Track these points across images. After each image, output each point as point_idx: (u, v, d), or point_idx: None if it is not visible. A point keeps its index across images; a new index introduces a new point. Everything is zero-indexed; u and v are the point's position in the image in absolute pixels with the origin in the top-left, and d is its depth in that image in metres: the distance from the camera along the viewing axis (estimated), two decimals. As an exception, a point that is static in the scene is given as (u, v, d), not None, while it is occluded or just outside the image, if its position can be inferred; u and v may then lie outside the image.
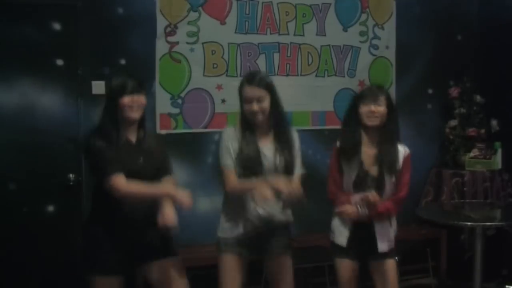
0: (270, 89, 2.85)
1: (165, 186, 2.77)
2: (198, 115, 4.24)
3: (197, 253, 3.97)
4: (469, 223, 3.77)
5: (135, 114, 2.73)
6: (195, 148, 4.23)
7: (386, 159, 2.95)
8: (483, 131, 4.82)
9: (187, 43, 4.16)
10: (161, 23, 4.09)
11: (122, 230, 2.72)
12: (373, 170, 2.96)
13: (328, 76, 4.59)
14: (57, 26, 3.87)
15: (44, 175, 3.85)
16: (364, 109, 2.95)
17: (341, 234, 3.00)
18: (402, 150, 3.03)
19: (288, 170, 2.84)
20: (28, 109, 3.82)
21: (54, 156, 3.87)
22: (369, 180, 2.95)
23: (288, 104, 4.37)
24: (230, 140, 2.85)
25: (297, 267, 3.52)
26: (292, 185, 2.72)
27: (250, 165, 2.79)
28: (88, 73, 3.91)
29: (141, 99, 2.74)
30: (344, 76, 4.64)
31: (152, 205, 2.72)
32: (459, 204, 4.48)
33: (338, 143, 3.05)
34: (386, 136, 2.98)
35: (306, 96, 4.51)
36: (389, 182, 2.97)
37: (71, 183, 3.90)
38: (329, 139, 4.51)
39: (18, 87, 3.79)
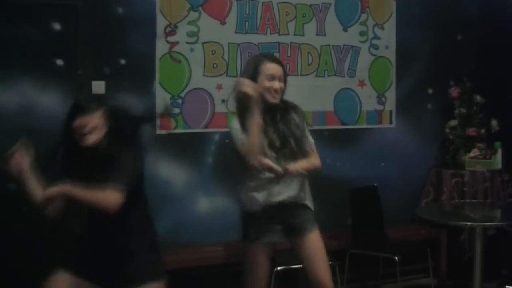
0: (285, 72, 2.94)
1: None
2: (198, 115, 4.23)
3: (197, 253, 3.97)
4: (469, 223, 3.78)
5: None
6: (195, 148, 4.22)
7: None
8: (483, 131, 4.82)
9: (187, 43, 4.16)
10: (161, 23, 4.09)
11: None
12: None
13: (328, 76, 4.59)
14: (57, 26, 3.87)
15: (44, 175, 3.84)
16: None
17: None
18: None
19: (299, 146, 2.89)
20: (28, 109, 3.81)
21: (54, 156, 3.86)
22: None
23: (288, 104, 4.45)
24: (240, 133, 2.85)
25: (297, 267, 3.53)
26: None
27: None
28: (88, 73, 3.91)
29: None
30: (344, 76, 4.64)
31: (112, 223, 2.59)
32: (459, 204, 4.49)
33: None
34: None
35: (306, 96, 4.49)
36: None
37: (71, 183, 3.89)
38: (329, 139, 4.52)
39: (18, 87, 3.79)
